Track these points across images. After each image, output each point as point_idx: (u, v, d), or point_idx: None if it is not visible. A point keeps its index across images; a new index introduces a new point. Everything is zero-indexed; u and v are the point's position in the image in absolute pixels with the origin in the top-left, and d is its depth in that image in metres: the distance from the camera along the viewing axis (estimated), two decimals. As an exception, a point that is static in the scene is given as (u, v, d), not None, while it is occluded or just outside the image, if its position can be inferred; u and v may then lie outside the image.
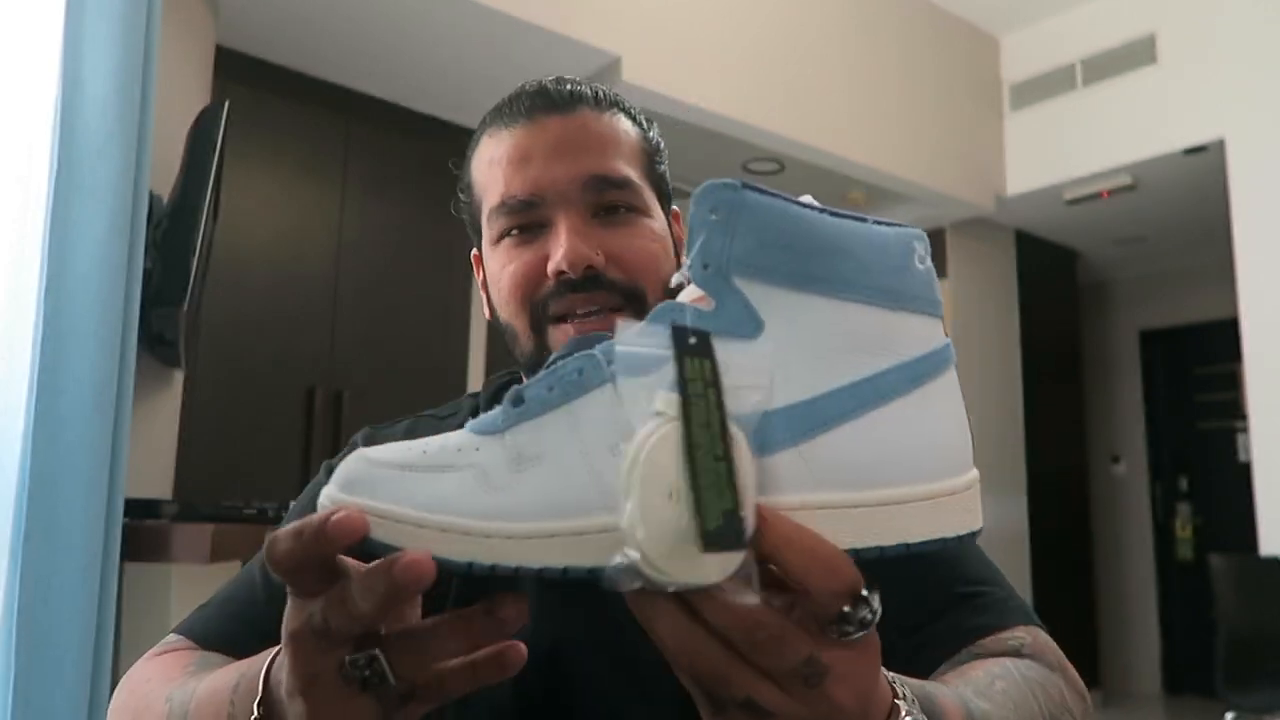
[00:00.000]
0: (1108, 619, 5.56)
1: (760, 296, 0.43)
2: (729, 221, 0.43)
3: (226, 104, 2.14)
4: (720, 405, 0.39)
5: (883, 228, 0.45)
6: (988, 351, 4.78)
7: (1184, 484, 5.68)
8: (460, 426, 0.78)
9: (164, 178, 2.09)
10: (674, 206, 0.81)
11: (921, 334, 0.45)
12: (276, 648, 0.52)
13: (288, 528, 0.42)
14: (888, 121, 4.07)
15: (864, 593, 0.40)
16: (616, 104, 0.78)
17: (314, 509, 0.75)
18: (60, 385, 1.56)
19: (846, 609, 0.39)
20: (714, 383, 0.39)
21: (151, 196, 1.89)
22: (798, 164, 3.92)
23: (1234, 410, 5.26)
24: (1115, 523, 5.73)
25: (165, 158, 2.10)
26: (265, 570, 0.74)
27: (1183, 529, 5.61)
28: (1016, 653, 0.65)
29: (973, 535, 0.45)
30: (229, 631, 0.71)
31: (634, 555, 0.38)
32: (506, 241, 0.74)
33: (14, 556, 1.51)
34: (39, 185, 1.62)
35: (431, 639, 0.44)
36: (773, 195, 0.44)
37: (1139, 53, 4.16)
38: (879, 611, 0.40)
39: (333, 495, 0.43)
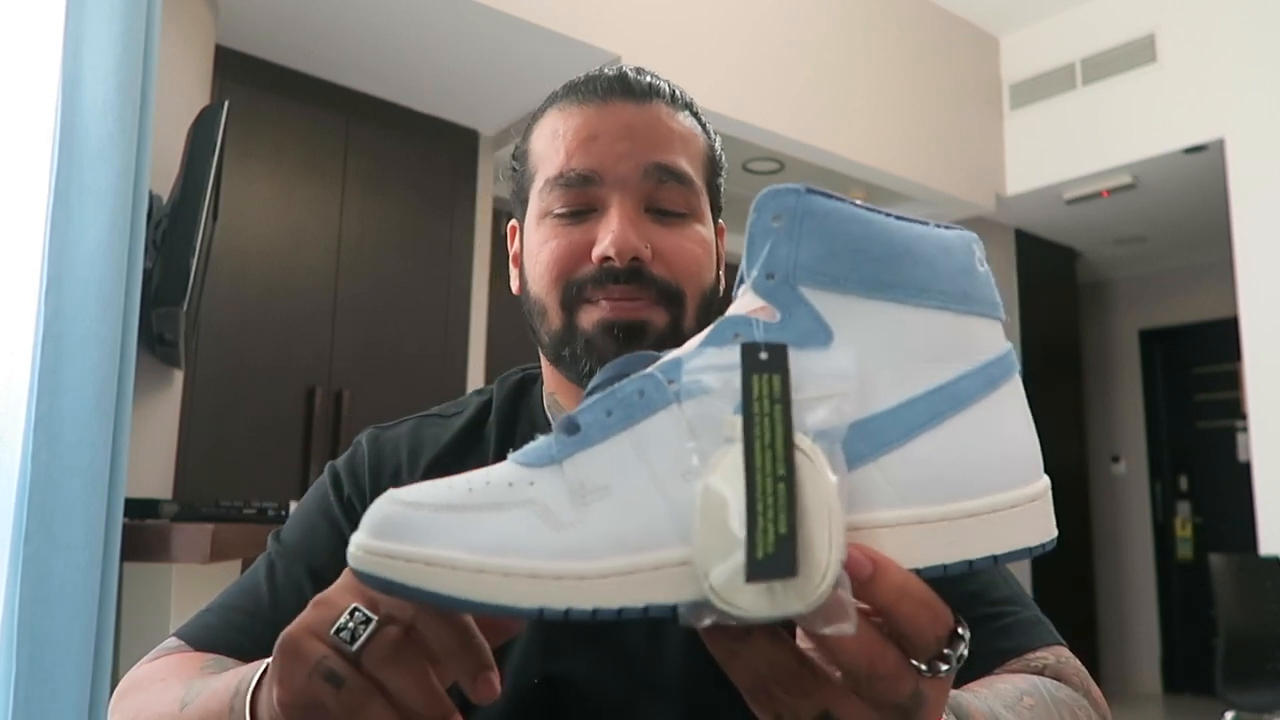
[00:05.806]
0: (1107, 618, 5.56)
1: (829, 305, 0.41)
2: (794, 228, 0.41)
3: (226, 104, 2.14)
4: (786, 422, 0.37)
5: (943, 230, 0.44)
6: (988, 351, 4.77)
7: (1184, 483, 5.68)
8: (466, 426, 0.79)
9: (164, 178, 2.09)
10: (720, 221, 0.81)
11: (988, 338, 0.44)
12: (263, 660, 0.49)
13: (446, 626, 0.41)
14: (887, 121, 4.07)
15: (959, 631, 0.39)
16: (689, 107, 0.78)
17: (322, 515, 0.76)
18: (60, 385, 1.56)
19: (945, 650, 0.39)
20: (782, 399, 0.37)
21: (151, 196, 1.89)
22: (798, 164, 3.92)
23: (1234, 410, 5.26)
24: (1115, 522, 5.73)
25: (165, 158, 2.10)
26: (271, 580, 0.73)
27: (1182, 528, 5.61)
28: (1043, 672, 0.65)
29: (1052, 542, 0.44)
30: (230, 641, 0.69)
31: (706, 590, 0.36)
32: (554, 218, 0.73)
33: (14, 556, 1.51)
34: (39, 186, 1.62)
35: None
36: (838, 199, 0.42)
37: (1139, 52, 4.16)
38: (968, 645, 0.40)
39: (365, 544, 0.38)
